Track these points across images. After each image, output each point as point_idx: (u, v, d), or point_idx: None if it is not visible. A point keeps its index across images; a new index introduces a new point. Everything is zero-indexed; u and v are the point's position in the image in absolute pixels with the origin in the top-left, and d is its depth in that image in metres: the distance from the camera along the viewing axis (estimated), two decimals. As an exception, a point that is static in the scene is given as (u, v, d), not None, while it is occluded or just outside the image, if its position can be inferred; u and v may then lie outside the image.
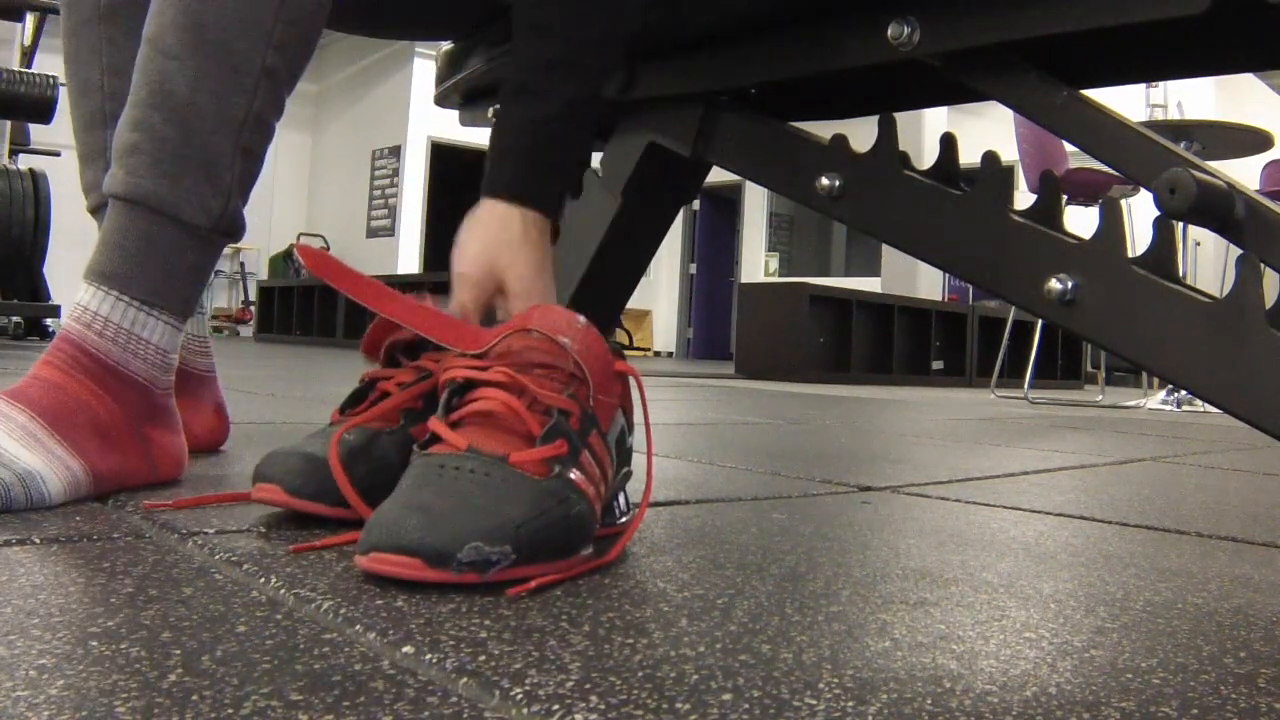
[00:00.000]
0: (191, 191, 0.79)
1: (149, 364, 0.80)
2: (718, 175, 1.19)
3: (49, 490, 0.71)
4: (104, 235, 0.80)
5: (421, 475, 0.60)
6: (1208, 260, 5.62)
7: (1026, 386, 4.29)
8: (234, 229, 0.83)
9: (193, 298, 0.83)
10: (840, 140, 0.95)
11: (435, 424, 0.63)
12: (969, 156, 0.81)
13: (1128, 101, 5.11)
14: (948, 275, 5.61)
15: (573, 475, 0.62)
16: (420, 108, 10.34)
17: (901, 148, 0.90)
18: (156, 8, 0.79)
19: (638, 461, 0.78)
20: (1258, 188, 3.85)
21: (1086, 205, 3.73)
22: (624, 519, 0.72)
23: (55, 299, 4.62)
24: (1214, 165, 0.73)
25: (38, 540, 0.61)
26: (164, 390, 0.82)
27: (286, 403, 1.90)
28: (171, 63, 0.77)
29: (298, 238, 11.21)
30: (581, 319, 0.67)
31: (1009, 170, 1.06)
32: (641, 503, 0.68)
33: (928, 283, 8.31)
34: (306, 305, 8.68)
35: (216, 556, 0.59)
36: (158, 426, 0.81)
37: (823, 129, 0.99)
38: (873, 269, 9.68)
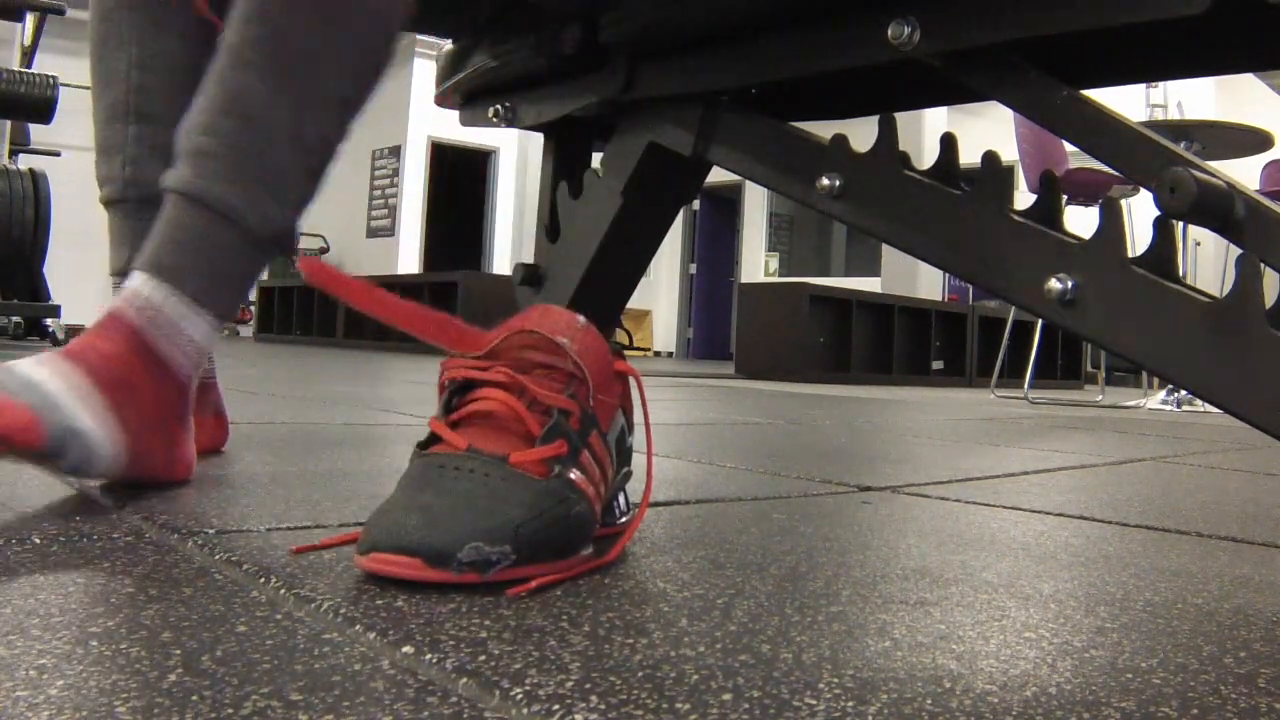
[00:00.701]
0: (257, 201, 0.80)
1: (188, 361, 0.81)
2: (718, 175, 1.19)
3: (100, 455, 0.73)
4: (163, 229, 0.81)
5: (421, 475, 0.60)
6: (1208, 260, 5.62)
7: (1026, 386, 4.29)
8: (290, 243, 0.84)
9: (236, 304, 0.85)
10: (840, 140, 0.95)
11: (435, 424, 0.63)
12: (969, 156, 0.81)
13: (1128, 101, 5.12)
14: (948, 275, 5.61)
15: (572, 475, 0.62)
16: (420, 108, 10.34)
17: (901, 148, 0.90)
18: (241, 18, 0.79)
19: (638, 461, 0.78)
20: (1258, 188, 3.85)
21: (1086, 205, 3.74)
22: (624, 519, 0.72)
23: (55, 299, 4.62)
24: (1214, 165, 0.73)
25: (38, 540, 0.61)
26: (190, 390, 0.83)
27: (287, 403, 1.90)
28: (252, 76, 0.78)
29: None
30: (582, 319, 0.67)
31: (1009, 170, 1.06)
32: (641, 503, 0.68)
33: (928, 283, 8.31)
34: (306, 305, 8.68)
35: (216, 556, 0.59)
36: (181, 427, 0.82)
37: (823, 129, 0.99)
38: (873, 269, 9.68)
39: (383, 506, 0.57)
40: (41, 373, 0.72)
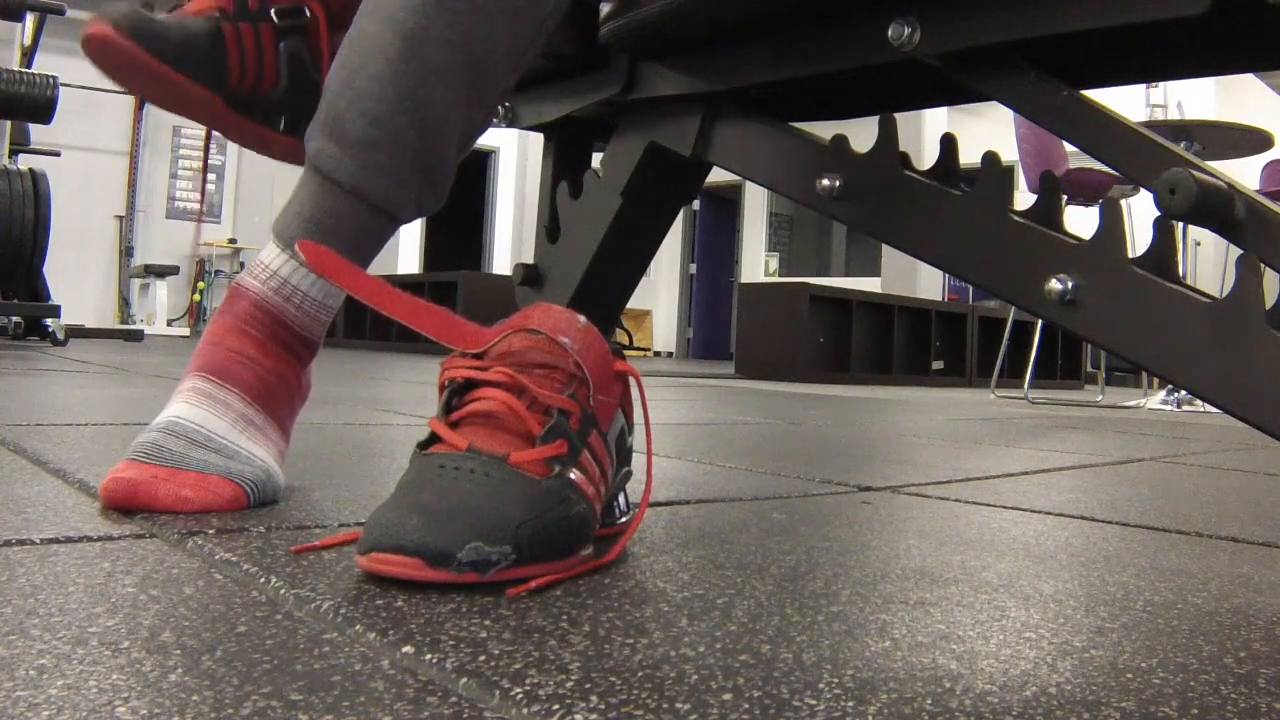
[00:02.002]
0: (417, 194, 0.81)
1: (320, 325, 0.83)
2: (718, 175, 1.19)
3: (281, 483, 0.77)
4: (312, 213, 0.79)
5: (421, 475, 0.60)
6: (1208, 260, 5.62)
7: (1026, 386, 4.29)
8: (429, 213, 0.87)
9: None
10: (840, 140, 0.95)
11: (435, 424, 0.63)
12: (969, 156, 0.81)
13: (1128, 101, 5.12)
14: (948, 275, 5.62)
15: (573, 475, 0.62)
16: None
17: (901, 148, 0.90)
18: (420, 5, 0.76)
19: (638, 461, 0.78)
20: (1258, 188, 3.85)
21: (1086, 205, 3.74)
22: (624, 519, 0.73)
23: (55, 299, 4.61)
24: (1214, 165, 0.73)
25: (38, 540, 0.61)
26: (318, 347, 0.85)
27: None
28: (432, 77, 0.77)
29: (298, 238, 11.19)
30: (582, 319, 0.67)
31: (1009, 170, 1.07)
32: (641, 502, 0.68)
33: (928, 283, 8.31)
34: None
35: (216, 556, 0.59)
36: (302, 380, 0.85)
37: (823, 129, 0.99)
38: (873, 269, 9.69)
39: (382, 506, 0.57)
40: (207, 419, 0.74)
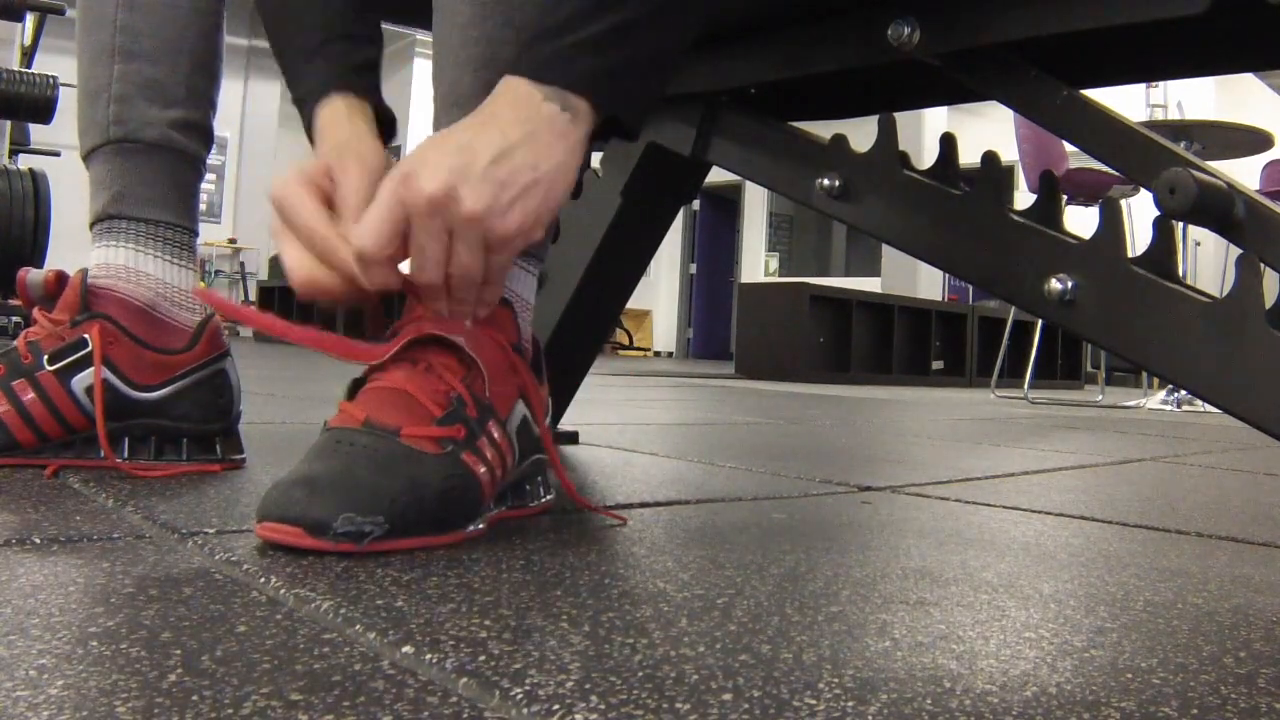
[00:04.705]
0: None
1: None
2: (718, 175, 1.19)
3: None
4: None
5: (317, 448, 0.63)
6: (1208, 260, 5.62)
7: (1026, 386, 4.29)
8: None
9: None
10: (840, 140, 0.95)
11: (342, 404, 0.67)
12: (969, 156, 0.81)
13: (1128, 101, 5.11)
14: (948, 275, 5.62)
15: (465, 456, 0.65)
16: (420, 108, 10.33)
17: (901, 148, 0.90)
18: None
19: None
20: (1258, 188, 3.85)
21: (1086, 205, 3.74)
22: (547, 498, 0.77)
23: (55, 299, 4.60)
24: (1214, 165, 0.73)
25: (38, 540, 0.61)
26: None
27: (287, 402, 1.90)
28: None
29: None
30: (469, 323, 0.68)
31: (1009, 170, 1.07)
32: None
33: (928, 283, 8.31)
34: (306, 305, 8.66)
35: (216, 556, 0.59)
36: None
37: (823, 129, 0.99)
38: (873, 269, 9.69)
39: (280, 478, 0.61)
40: None
